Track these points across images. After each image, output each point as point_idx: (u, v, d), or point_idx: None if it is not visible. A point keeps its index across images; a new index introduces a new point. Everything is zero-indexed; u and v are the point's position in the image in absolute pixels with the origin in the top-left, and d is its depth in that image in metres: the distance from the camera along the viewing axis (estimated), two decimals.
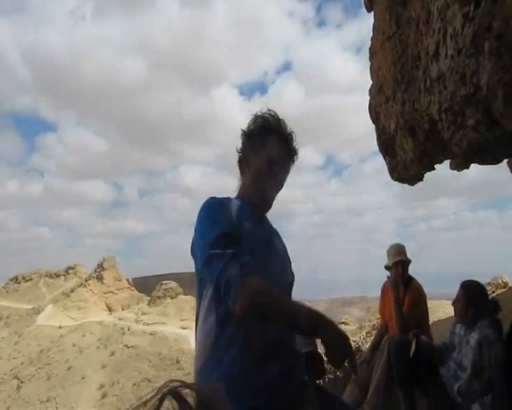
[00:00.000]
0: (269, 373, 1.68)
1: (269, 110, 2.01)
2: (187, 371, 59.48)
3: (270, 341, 1.70)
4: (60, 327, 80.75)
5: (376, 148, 4.27)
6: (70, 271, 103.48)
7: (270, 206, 2.01)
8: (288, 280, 1.97)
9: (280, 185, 2.02)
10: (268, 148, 1.96)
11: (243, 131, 2.02)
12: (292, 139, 2.02)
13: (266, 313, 1.64)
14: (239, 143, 2.03)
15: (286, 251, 2.03)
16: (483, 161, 2.79)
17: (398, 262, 4.45)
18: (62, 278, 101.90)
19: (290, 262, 2.03)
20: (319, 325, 1.59)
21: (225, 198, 1.95)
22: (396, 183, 4.25)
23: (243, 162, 2.02)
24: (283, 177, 2.02)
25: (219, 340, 1.77)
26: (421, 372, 3.81)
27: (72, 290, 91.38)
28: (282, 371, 1.71)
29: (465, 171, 3.63)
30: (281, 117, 2.02)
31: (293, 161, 2.03)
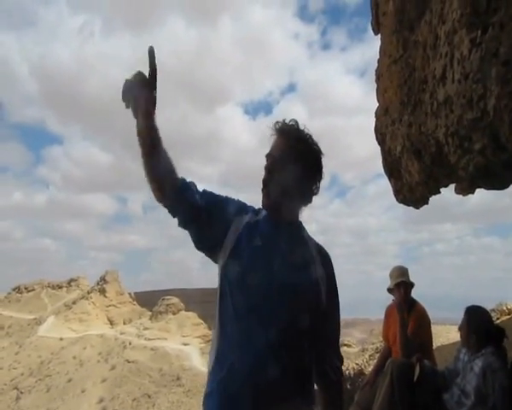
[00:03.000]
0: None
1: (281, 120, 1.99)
2: (187, 388, 59.11)
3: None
4: (61, 339, 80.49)
5: (379, 170, 4.26)
6: (72, 283, 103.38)
7: (275, 206, 1.93)
8: (296, 293, 1.82)
9: (280, 182, 1.91)
10: (270, 147, 1.97)
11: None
12: (284, 131, 1.95)
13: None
14: None
15: (305, 262, 1.91)
16: (489, 185, 2.78)
17: (400, 284, 4.42)
18: (65, 289, 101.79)
19: (313, 277, 1.89)
20: None
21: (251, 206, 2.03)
22: (399, 205, 4.25)
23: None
24: (282, 173, 1.90)
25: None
26: (425, 397, 3.77)
27: (74, 302, 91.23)
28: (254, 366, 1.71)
29: (468, 196, 3.62)
30: (288, 120, 1.97)
31: (296, 156, 1.91)
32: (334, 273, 2.02)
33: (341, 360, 2.07)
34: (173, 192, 1.93)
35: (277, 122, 1.98)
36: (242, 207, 2.01)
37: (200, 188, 2.02)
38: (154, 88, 1.91)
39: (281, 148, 1.94)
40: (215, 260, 1.96)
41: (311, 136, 1.98)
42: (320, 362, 1.96)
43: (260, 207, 2.00)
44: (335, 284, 2.02)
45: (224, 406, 1.75)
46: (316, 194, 2.01)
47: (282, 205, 1.92)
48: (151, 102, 1.90)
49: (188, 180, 1.99)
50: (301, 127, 1.97)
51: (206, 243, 1.97)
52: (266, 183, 1.93)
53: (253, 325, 1.75)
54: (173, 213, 1.96)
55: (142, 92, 1.88)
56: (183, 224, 1.96)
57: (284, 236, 1.92)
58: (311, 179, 1.97)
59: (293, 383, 1.77)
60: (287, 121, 1.98)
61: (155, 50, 1.92)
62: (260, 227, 1.92)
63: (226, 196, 2.04)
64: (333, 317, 2.02)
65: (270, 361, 1.72)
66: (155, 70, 1.91)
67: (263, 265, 1.82)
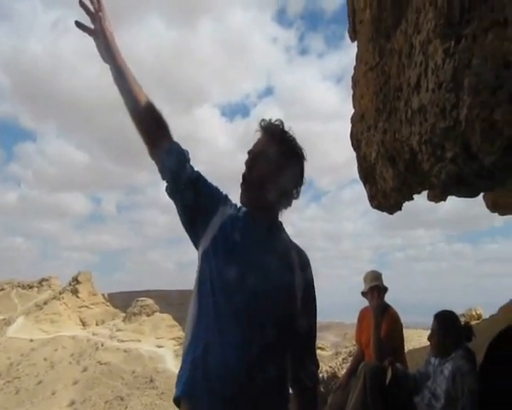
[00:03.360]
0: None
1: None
2: (161, 391, 58.68)
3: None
4: (31, 340, 79.11)
5: (355, 175, 4.30)
6: (44, 283, 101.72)
7: (252, 202, 1.94)
8: (271, 288, 1.81)
9: (245, 177, 1.94)
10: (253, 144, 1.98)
11: None
12: (274, 133, 1.96)
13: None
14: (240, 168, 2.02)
15: (282, 261, 1.90)
16: (460, 193, 2.83)
17: (374, 288, 4.46)
18: (36, 289, 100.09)
19: (290, 276, 1.89)
20: None
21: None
22: (374, 211, 4.29)
23: None
24: (261, 170, 1.91)
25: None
26: (397, 400, 3.81)
27: (45, 303, 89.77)
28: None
29: (441, 203, 3.67)
30: (274, 120, 1.99)
31: (281, 159, 1.92)
32: (312, 277, 2.01)
33: (317, 366, 2.07)
34: (161, 152, 1.94)
35: (263, 120, 1.98)
36: (228, 200, 2.01)
37: None
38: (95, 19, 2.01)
39: (263, 145, 1.95)
40: (195, 242, 1.95)
41: (295, 139, 1.99)
42: (295, 367, 1.96)
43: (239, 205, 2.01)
44: (313, 288, 2.01)
45: (189, 389, 1.75)
46: (296, 198, 2.01)
47: (259, 201, 1.93)
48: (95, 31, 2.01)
49: (180, 146, 1.99)
50: (286, 128, 1.98)
51: (189, 217, 1.96)
52: (245, 178, 1.93)
53: (228, 317, 1.74)
54: (162, 174, 1.96)
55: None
56: (170, 190, 1.95)
57: (261, 234, 1.92)
58: (292, 183, 1.98)
59: (265, 381, 1.75)
60: (273, 120, 1.99)
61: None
62: (240, 223, 1.92)
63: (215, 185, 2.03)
64: (309, 321, 2.02)
65: (246, 350, 1.71)
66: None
67: (238, 261, 1.82)
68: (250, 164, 1.94)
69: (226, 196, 2.02)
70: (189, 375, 1.75)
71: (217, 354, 1.71)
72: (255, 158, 1.93)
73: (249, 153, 1.96)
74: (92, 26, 2.01)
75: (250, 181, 1.92)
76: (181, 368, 1.81)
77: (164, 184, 1.98)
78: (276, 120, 1.98)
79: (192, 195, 1.91)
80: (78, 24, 2.01)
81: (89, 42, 2.03)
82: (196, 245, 1.95)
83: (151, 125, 1.96)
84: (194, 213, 1.94)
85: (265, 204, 1.93)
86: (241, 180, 1.95)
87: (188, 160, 1.98)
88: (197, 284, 1.87)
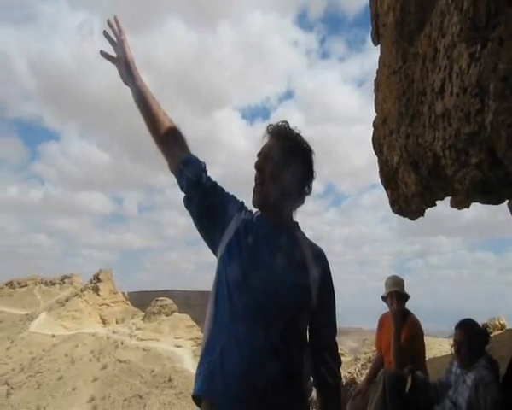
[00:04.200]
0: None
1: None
2: (179, 390, 59.03)
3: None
4: (53, 336, 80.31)
5: (375, 180, 4.27)
6: (66, 280, 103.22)
7: (266, 204, 1.96)
8: (284, 292, 1.81)
9: (258, 179, 1.97)
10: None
11: None
12: (273, 131, 2.02)
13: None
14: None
15: (296, 261, 1.90)
16: (485, 200, 2.78)
17: (393, 293, 4.43)
18: (58, 286, 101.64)
19: (304, 278, 1.89)
20: None
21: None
22: (394, 216, 4.25)
23: None
24: (272, 170, 1.94)
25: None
26: (416, 408, 3.77)
27: (66, 300, 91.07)
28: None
29: (463, 211, 3.62)
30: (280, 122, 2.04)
31: (287, 153, 1.96)
32: (329, 274, 2.01)
33: (339, 363, 2.06)
34: (178, 164, 2.02)
35: (270, 125, 2.04)
36: (242, 205, 2.07)
37: None
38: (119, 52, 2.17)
39: (270, 146, 1.99)
40: (213, 249, 2.00)
41: (299, 134, 2.02)
42: (316, 364, 1.96)
43: (256, 209, 2.03)
44: (331, 284, 2.02)
45: (207, 387, 1.77)
46: (308, 194, 2.03)
47: (272, 203, 1.95)
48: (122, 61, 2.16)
49: (197, 158, 2.07)
50: (291, 127, 2.02)
51: (206, 226, 2.02)
52: (257, 180, 1.97)
53: (244, 319, 1.77)
54: (180, 185, 2.04)
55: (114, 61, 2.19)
56: (187, 201, 2.03)
57: (274, 236, 1.94)
58: (302, 177, 1.99)
59: (280, 380, 1.76)
60: (278, 122, 2.03)
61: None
62: (253, 226, 1.95)
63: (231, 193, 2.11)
64: (328, 319, 2.02)
65: (261, 352, 1.73)
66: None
67: (252, 264, 1.84)
68: (259, 166, 1.98)
69: (242, 203, 2.07)
70: (206, 374, 1.78)
71: (233, 355, 1.73)
72: (263, 159, 1.97)
73: (258, 155, 2.01)
74: (115, 54, 2.17)
75: (261, 182, 1.94)
76: (199, 367, 1.85)
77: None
78: (282, 122, 2.03)
79: (206, 204, 1.97)
80: (103, 53, 2.18)
81: (109, 45, 2.16)
82: (215, 252, 1.99)
83: (169, 141, 2.06)
84: (209, 222, 1.99)
85: (277, 204, 1.95)
86: (254, 184, 2.00)
87: (204, 170, 2.05)
88: (214, 287, 1.91)
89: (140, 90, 2.11)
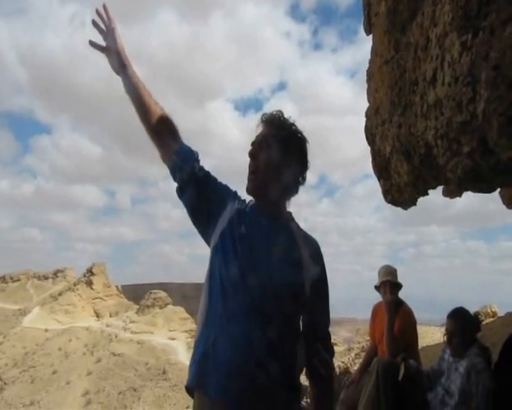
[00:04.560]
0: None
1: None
2: (173, 383, 59.03)
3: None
4: (46, 330, 80.00)
5: (368, 170, 4.28)
6: (59, 274, 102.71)
7: (260, 192, 1.97)
8: (277, 282, 1.81)
9: (252, 168, 1.97)
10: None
11: None
12: (273, 120, 2.01)
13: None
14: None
15: (289, 252, 1.90)
16: (476, 189, 2.79)
17: (386, 282, 4.45)
18: (51, 280, 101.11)
19: (297, 271, 1.88)
20: None
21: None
22: (387, 206, 4.26)
23: None
24: (259, 159, 1.95)
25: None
26: (410, 396, 3.80)
27: (60, 294, 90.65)
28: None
29: (455, 200, 3.64)
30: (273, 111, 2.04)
31: (282, 142, 1.95)
32: (323, 264, 2.01)
33: (332, 354, 2.07)
34: (171, 154, 2.01)
35: (264, 114, 2.03)
36: (237, 196, 2.06)
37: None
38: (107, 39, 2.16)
39: (263, 134, 1.99)
40: (206, 239, 2.00)
41: (294, 123, 2.02)
42: (309, 355, 1.97)
43: (250, 199, 2.03)
44: (325, 276, 2.02)
45: (200, 379, 1.78)
46: (302, 184, 2.03)
47: (266, 191, 1.95)
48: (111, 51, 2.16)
49: (190, 147, 2.06)
50: (286, 116, 2.01)
51: (199, 215, 2.01)
52: (250, 168, 1.97)
53: (236, 311, 1.77)
54: (173, 175, 2.03)
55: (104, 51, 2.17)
56: (179, 191, 2.01)
57: (268, 226, 1.94)
58: (296, 167, 1.99)
59: (273, 375, 1.76)
60: (273, 112, 2.03)
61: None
62: (247, 216, 1.95)
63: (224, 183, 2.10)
64: (321, 309, 2.02)
65: (257, 340, 1.73)
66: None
67: (245, 254, 1.84)
68: (253, 154, 1.98)
69: (235, 193, 2.06)
70: (198, 367, 1.79)
71: (226, 348, 1.73)
72: (258, 147, 1.97)
73: (252, 144, 2.00)
74: (104, 44, 2.16)
75: (255, 170, 1.94)
76: (192, 358, 1.85)
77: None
78: (276, 111, 2.02)
79: (199, 194, 1.96)
80: (92, 43, 2.16)
81: (101, 38, 2.13)
82: (208, 242, 1.98)
83: (161, 131, 2.04)
84: (202, 212, 1.98)
85: (272, 192, 1.96)
86: (248, 172, 1.99)
87: (197, 160, 2.03)
88: (207, 278, 1.90)
89: (131, 79, 2.09)
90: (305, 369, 1.99)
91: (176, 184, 2.02)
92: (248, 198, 2.04)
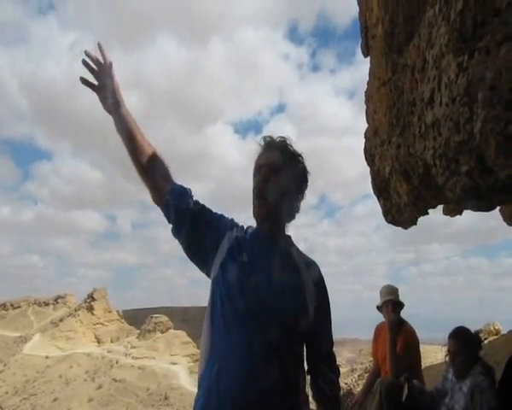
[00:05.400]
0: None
1: (263, 136, 2.05)
2: (175, 408, 58.30)
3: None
4: (47, 357, 79.32)
5: (368, 190, 4.30)
6: (59, 300, 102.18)
7: (256, 217, 1.96)
8: (283, 310, 1.82)
9: (262, 193, 1.93)
10: (257, 161, 2.00)
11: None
12: (280, 145, 2.00)
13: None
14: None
15: (292, 277, 1.91)
16: (476, 207, 2.81)
17: (388, 302, 4.44)
18: (51, 306, 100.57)
19: (300, 295, 1.89)
20: None
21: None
22: (387, 226, 4.27)
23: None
24: (270, 184, 1.93)
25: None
26: None
27: (60, 320, 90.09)
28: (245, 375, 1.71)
29: (455, 217, 3.65)
30: (277, 136, 2.02)
31: (289, 167, 1.97)
32: (324, 287, 2.02)
33: (337, 374, 2.06)
34: (163, 196, 1.98)
35: (268, 137, 2.03)
36: (233, 223, 2.05)
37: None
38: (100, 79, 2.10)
39: (273, 160, 1.97)
40: (206, 271, 1.98)
41: (301, 154, 2.03)
42: (314, 376, 1.96)
43: (247, 225, 2.03)
44: (326, 297, 2.03)
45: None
46: (298, 211, 2.04)
47: (274, 216, 1.95)
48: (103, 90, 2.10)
49: (182, 185, 2.04)
50: (290, 141, 2.03)
51: (197, 251, 1.99)
52: (260, 193, 1.94)
53: (242, 335, 1.75)
54: (167, 216, 2.00)
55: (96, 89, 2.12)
56: (175, 231, 1.99)
57: (270, 250, 1.94)
58: (299, 194, 2.02)
59: (281, 394, 1.75)
60: (276, 137, 2.03)
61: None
62: (247, 243, 1.95)
63: (219, 213, 2.07)
64: (323, 331, 2.02)
65: (260, 371, 1.72)
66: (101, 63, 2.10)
67: (248, 283, 1.82)
68: (265, 179, 1.94)
69: (232, 220, 2.05)
70: (203, 402, 1.77)
71: (229, 386, 1.71)
72: (268, 172, 1.95)
73: (262, 167, 1.98)
74: (96, 83, 2.11)
75: (264, 195, 1.94)
76: (197, 393, 1.83)
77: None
78: (281, 137, 2.03)
79: (195, 229, 1.95)
80: (83, 80, 2.10)
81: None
82: (208, 274, 1.97)
83: (153, 173, 2.01)
84: (199, 247, 1.97)
85: (279, 218, 1.97)
86: (255, 195, 1.96)
87: (190, 196, 2.02)
88: (209, 310, 1.89)
89: (124, 118, 2.06)
90: (311, 392, 1.98)
91: (171, 225, 2.00)
92: (246, 223, 2.04)
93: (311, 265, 2.02)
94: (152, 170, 2.00)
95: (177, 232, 1.98)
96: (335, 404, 2.03)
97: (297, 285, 1.90)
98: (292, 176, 1.96)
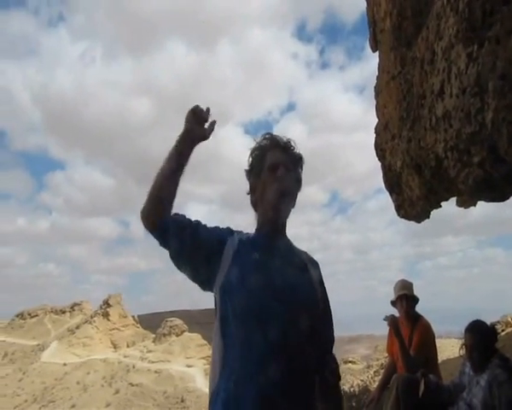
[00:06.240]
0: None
1: (262, 135, 2.04)
2: None
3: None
4: (64, 364, 79.81)
5: (380, 185, 4.27)
6: (76, 307, 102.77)
7: (279, 216, 1.94)
8: (295, 309, 1.80)
9: (288, 190, 1.93)
10: (267, 159, 1.95)
11: (245, 169, 2.04)
12: (289, 145, 1.99)
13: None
14: (247, 185, 2.03)
15: (302, 277, 1.91)
16: (489, 198, 2.79)
17: (402, 296, 4.41)
18: (68, 314, 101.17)
19: (314, 292, 1.90)
20: None
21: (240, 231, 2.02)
22: (400, 220, 4.25)
23: (253, 198, 2.01)
24: (289, 182, 1.93)
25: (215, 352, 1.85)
26: None
27: (77, 327, 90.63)
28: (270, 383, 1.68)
29: (469, 209, 3.62)
30: (274, 133, 2.02)
31: (298, 166, 2.00)
32: (323, 280, 2.03)
33: (336, 363, 2.07)
34: (161, 221, 1.95)
35: (275, 136, 2.01)
36: (230, 229, 2.03)
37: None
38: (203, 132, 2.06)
39: (290, 158, 1.98)
40: (209, 288, 1.93)
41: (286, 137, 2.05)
42: (320, 368, 1.96)
43: (246, 231, 2.02)
44: (326, 291, 2.04)
45: None
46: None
47: (287, 215, 1.96)
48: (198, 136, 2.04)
49: (176, 213, 1.99)
50: (295, 142, 2.04)
51: (199, 270, 1.94)
52: (290, 190, 1.94)
53: (257, 336, 1.73)
54: (163, 245, 1.96)
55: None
56: (175, 259, 1.95)
57: (278, 247, 1.93)
58: (298, 193, 2.03)
59: (297, 390, 1.74)
60: (280, 136, 2.03)
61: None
62: (254, 242, 1.94)
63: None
64: (328, 325, 2.03)
65: (274, 368, 1.71)
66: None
67: (262, 276, 1.81)
68: (287, 176, 1.93)
69: (229, 228, 2.02)
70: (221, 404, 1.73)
71: (247, 390, 1.69)
72: (285, 170, 1.95)
73: (277, 165, 1.94)
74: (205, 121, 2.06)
75: (293, 193, 1.96)
76: (213, 395, 1.79)
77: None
78: (287, 138, 2.03)
79: (195, 245, 1.90)
80: (200, 110, 2.05)
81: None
82: (211, 289, 1.94)
83: (163, 201, 1.98)
84: (201, 266, 1.94)
85: (287, 217, 1.98)
86: (279, 193, 1.91)
87: (185, 219, 1.98)
88: (219, 322, 1.84)
89: (183, 161, 2.02)
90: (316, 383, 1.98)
91: (168, 253, 1.95)
92: (239, 228, 2.04)
93: (314, 263, 2.03)
94: (163, 200, 1.96)
95: (176, 264, 1.94)
96: (338, 392, 2.04)
97: (309, 283, 1.91)
98: (299, 180, 2.00)
